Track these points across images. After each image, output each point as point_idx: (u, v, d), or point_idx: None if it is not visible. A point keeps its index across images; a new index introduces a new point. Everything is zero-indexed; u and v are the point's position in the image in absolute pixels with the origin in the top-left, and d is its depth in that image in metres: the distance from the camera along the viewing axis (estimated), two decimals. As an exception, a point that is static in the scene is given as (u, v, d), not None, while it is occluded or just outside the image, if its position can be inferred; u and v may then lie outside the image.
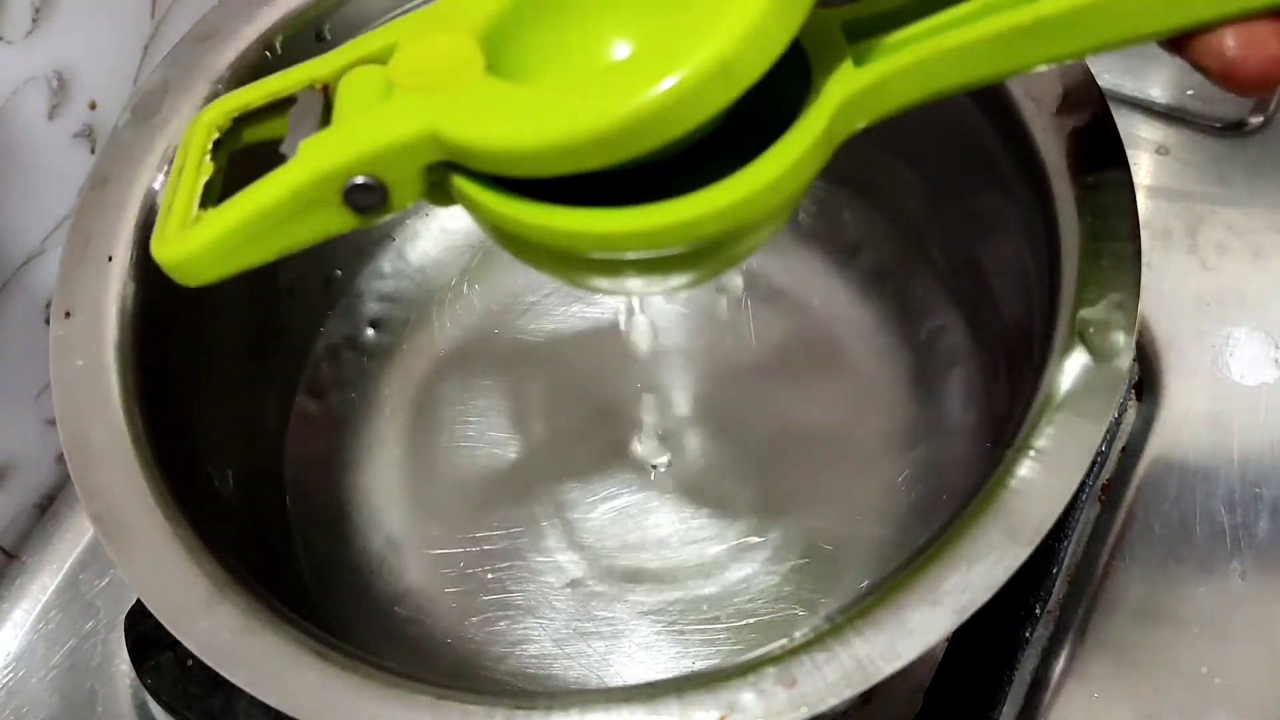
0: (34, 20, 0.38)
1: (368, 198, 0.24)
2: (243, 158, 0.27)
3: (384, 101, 0.24)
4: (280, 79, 0.27)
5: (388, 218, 0.25)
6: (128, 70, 0.43)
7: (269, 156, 0.25)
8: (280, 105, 0.27)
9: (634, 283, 0.27)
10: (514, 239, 0.25)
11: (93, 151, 0.43)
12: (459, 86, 0.24)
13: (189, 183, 0.25)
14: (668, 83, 0.21)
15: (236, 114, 0.27)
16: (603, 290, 0.29)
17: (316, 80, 0.26)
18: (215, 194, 0.25)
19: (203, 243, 0.24)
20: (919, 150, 0.41)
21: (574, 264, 0.26)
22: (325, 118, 0.25)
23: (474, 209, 0.25)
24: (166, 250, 0.25)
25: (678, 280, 0.28)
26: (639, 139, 0.21)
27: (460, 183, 0.24)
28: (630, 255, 0.24)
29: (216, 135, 0.26)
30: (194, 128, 0.27)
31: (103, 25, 0.42)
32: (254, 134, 0.27)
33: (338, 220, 0.25)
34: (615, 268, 0.26)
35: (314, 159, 0.24)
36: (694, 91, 0.21)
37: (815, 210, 0.47)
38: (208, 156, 0.26)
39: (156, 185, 0.35)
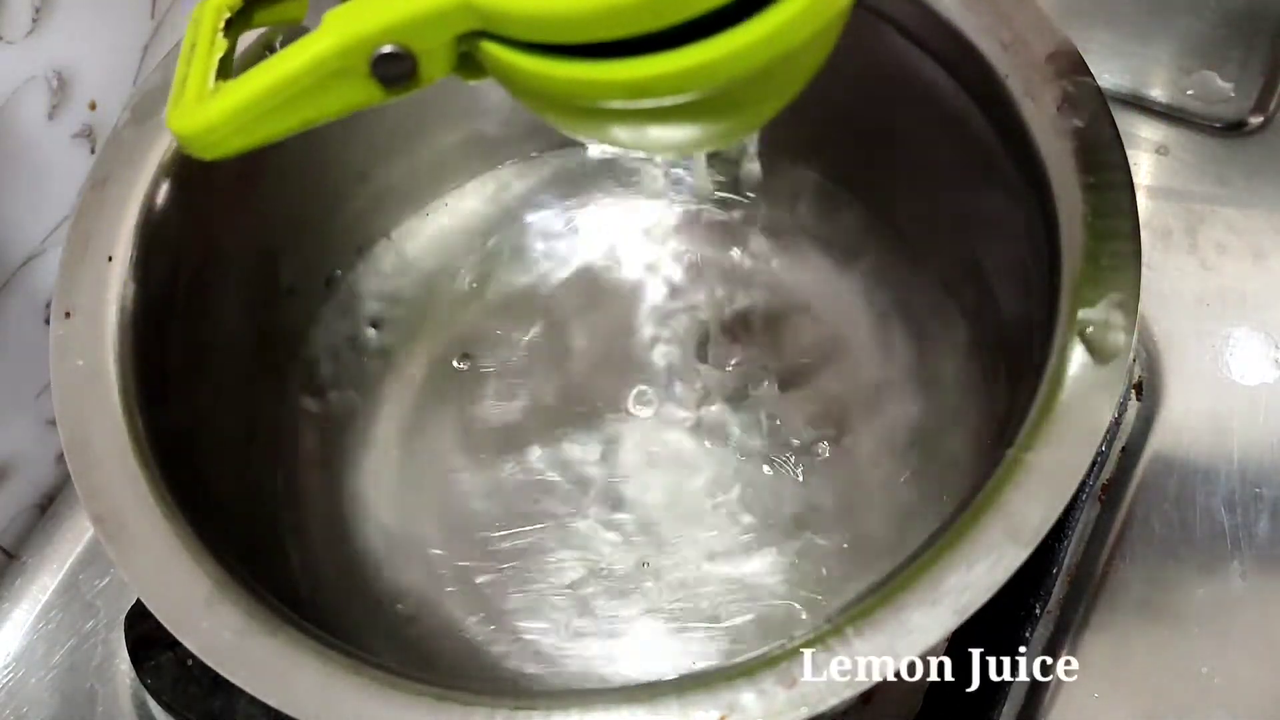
0: (34, 20, 0.38)
1: (396, 68, 0.23)
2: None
3: None
4: None
5: (416, 91, 0.24)
6: (128, 70, 0.43)
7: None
8: None
9: (666, 132, 0.26)
10: (548, 99, 0.24)
11: (93, 151, 0.43)
12: None
13: (202, 58, 0.25)
14: None
15: None
16: (644, 146, 0.28)
17: None
18: (230, 69, 0.25)
19: (223, 112, 0.24)
20: (919, 150, 0.41)
21: (613, 117, 0.25)
22: None
23: (509, 74, 0.24)
24: (185, 121, 0.24)
25: (712, 130, 0.27)
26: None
27: (494, 49, 0.23)
28: (667, 102, 0.23)
29: (228, 15, 0.26)
30: (203, 8, 0.26)
31: (103, 25, 0.42)
32: (265, 17, 0.27)
33: (364, 92, 0.24)
34: (655, 116, 0.25)
35: (341, 26, 0.23)
36: None
37: (816, 211, 0.47)
38: (220, 34, 0.25)
39: (158, 188, 0.35)
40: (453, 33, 0.23)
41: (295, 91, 0.23)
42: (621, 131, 0.26)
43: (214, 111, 0.24)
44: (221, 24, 0.25)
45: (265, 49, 0.36)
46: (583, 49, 0.22)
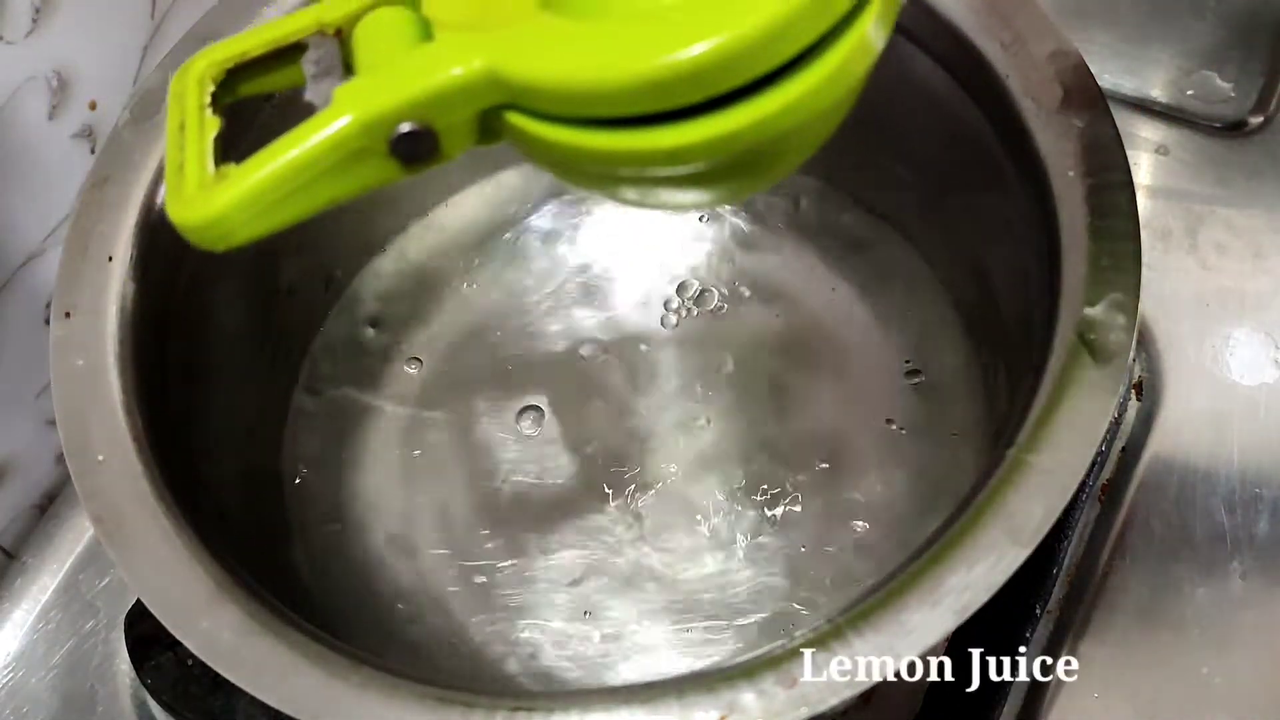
0: (34, 20, 0.38)
1: (417, 147, 0.22)
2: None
3: (426, 42, 0.22)
4: (281, 25, 0.24)
5: (436, 168, 0.23)
6: (128, 70, 0.43)
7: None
8: (284, 53, 0.25)
9: (690, 193, 0.26)
10: (572, 166, 0.23)
11: (93, 151, 0.43)
12: (513, 24, 0.22)
13: (195, 139, 0.23)
14: (777, 5, 0.19)
15: (232, 64, 0.24)
16: (666, 205, 0.27)
17: (326, 25, 0.24)
18: (222, 149, 0.23)
19: (233, 201, 0.22)
20: (919, 151, 0.41)
21: (638, 181, 0.24)
22: (347, 65, 0.24)
23: (534, 145, 0.23)
24: (190, 213, 0.22)
25: (738, 187, 0.26)
26: (738, 69, 0.20)
27: (520, 121, 0.22)
28: (699, 167, 0.23)
29: (211, 88, 0.24)
30: (183, 80, 0.24)
31: (103, 25, 0.42)
32: (251, 86, 0.25)
33: (382, 172, 0.23)
34: (684, 178, 0.24)
35: (356, 105, 0.22)
36: (801, 15, 0.20)
37: (815, 210, 0.47)
38: (208, 110, 0.24)
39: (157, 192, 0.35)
40: (478, 107, 0.22)
41: (311, 175, 0.22)
42: (644, 193, 0.25)
43: (223, 202, 0.22)
44: (207, 99, 0.24)
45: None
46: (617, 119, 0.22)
